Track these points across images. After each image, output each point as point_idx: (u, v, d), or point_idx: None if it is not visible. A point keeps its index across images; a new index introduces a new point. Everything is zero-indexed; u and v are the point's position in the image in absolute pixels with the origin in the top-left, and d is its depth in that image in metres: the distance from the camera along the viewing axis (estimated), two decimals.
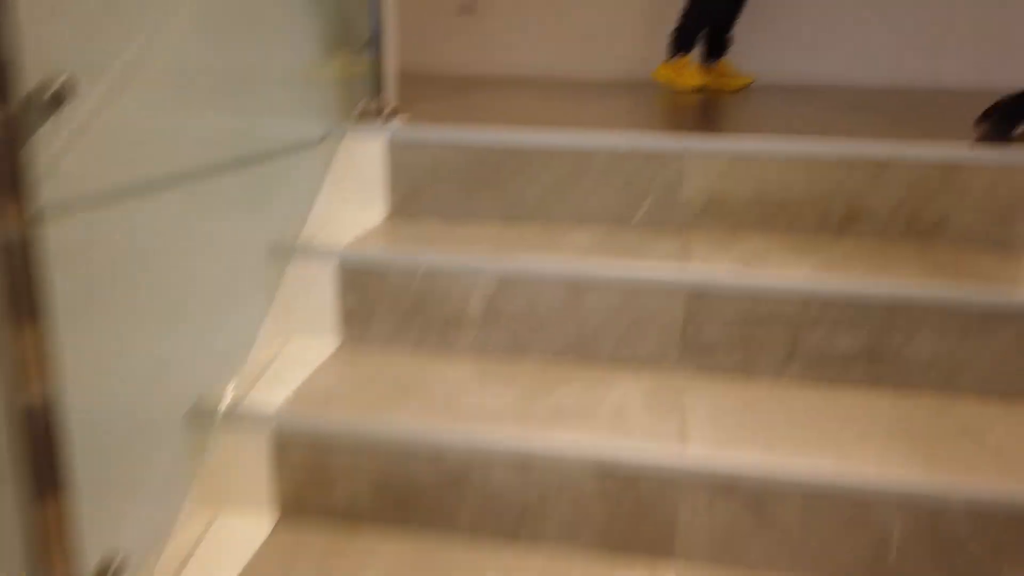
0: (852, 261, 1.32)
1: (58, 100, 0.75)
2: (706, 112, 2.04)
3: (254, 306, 1.33)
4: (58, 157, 0.82)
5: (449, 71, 4.00)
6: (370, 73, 1.62)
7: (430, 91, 2.51)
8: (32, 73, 0.73)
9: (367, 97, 1.63)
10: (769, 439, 1.10)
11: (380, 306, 1.37)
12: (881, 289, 1.21)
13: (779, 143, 1.43)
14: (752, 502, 1.07)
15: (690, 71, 3.06)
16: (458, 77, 3.50)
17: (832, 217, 1.45)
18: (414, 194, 1.58)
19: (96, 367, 0.96)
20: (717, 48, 3.22)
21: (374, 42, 1.59)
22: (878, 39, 3.59)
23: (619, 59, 3.81)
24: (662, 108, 2.16)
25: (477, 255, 1.34)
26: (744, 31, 3.66)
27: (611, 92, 2.70)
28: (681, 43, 3.10)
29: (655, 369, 1.31)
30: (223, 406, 1.18)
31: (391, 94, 1.69)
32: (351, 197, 1.59)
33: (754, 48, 3.68)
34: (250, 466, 1.19)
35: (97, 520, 0.94)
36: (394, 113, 1.65)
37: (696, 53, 3.20)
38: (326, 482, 1.17)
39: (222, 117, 1.20)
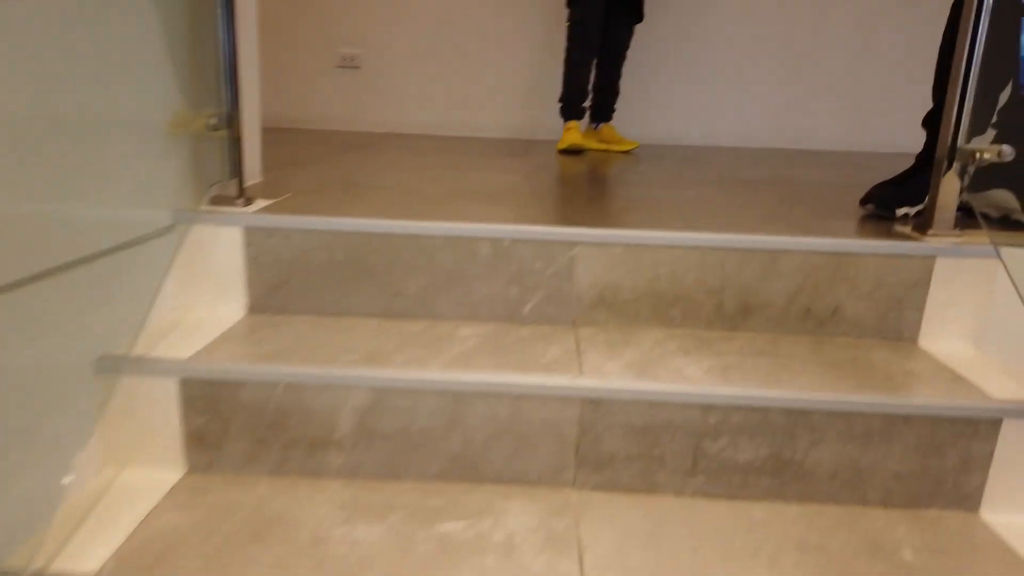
0: (750, 360, 1.26)
1: None
2: (594, 189, 1.97)
3: (75, 435, 1.11)
4: None
5: (331, 126, 3.84)
6: (226, 151, 1.45)
7: (305, 152, 2.34)
8: None
9: (223, 178, 1.46)
10: (677, 574, 0.99)
11: (233, 427, 1.17)
12: (781, 396, 1.14)
13: (671, 234, 1.36)
14: None
15: (568, 134, 3.08)
16: (339, 133, 3.35)
17: (727, 309, 1.39)
18: (278, 288, 1.40)
19: None
20: (599, 113, 3.24)
21: (230, 117, 1.42)
22: (752, 106, 3.72)
23: (500, 118, 3.78)
24: (548, 180, 2.09)
25: (347, 365, 1.18)
26: (631, 98, 3.71)
27: (492, 154, 2.61)
28: (563, 111, 3.13)
29: (550, 488, 1.18)
30: (27, 570, 0.96)
31: (253, 171, 1.52)
32: (203, 294, 1.40)
33: (641, 113, 3.73)
34: None
35: None
36: (251, 199, 1.48)
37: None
38: None
39: (36, 210, 1.00)
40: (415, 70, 3.81)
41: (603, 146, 3.21)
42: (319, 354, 1.22)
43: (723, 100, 3.75)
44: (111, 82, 1.17)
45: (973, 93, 1.37)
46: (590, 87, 3.11)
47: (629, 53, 3.27)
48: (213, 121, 1.36)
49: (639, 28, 3.38)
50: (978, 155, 1.36)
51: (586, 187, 2.01)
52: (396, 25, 3.77)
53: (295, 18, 3.79)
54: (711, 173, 2.41)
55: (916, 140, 1.67)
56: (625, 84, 3.61)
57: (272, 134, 3.24)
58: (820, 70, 3.68)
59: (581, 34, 3.02)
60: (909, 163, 1.66)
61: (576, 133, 3.07)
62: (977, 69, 1.37)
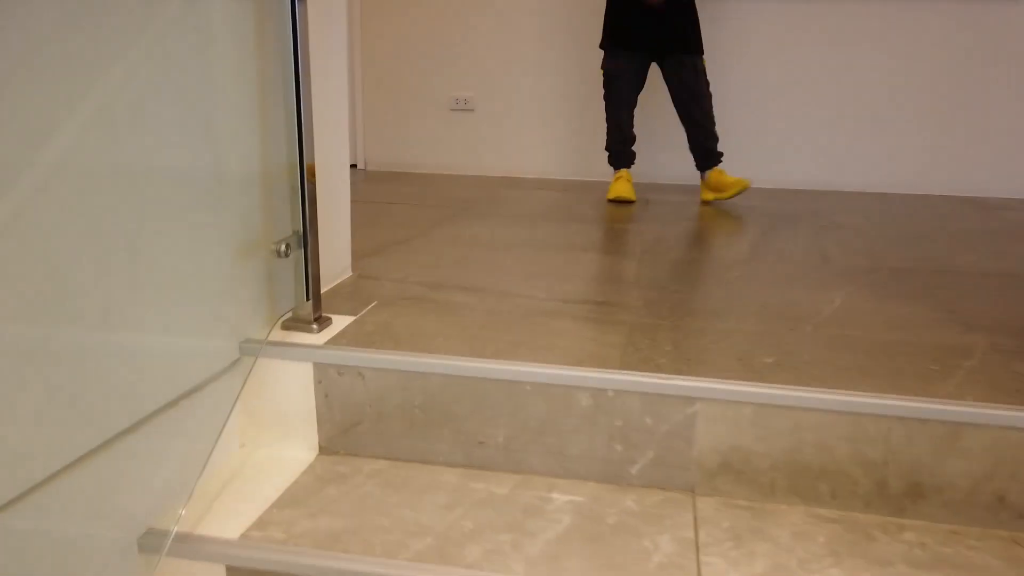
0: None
1: None
2: (714, 288, 1.70)
3: None
4: None
5: (445, 170, 3.74)
6: (298, 274, 1.30)
7: (404, 222, 2.19)
8: None
9: (296, 301, 1.32)
10: None
11: None
12: None
13: (816, 395, 1.09)
14: None
15: (616, 184, 2.97)
16: (450, 180, 3.22)
17: (891, 489, 1.10)
18: (350, 430, 1.24)
19: None
20: (700, 162, 2.97)
21: (304, 237, 1.28)
22: (891, 147, 3.30)
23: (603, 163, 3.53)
24: (660, 268, 1.84)
25: (412, 559, 0.99)
26: (748, 139, 3.40)
27: (604, 215, 2.35)
28: (609, 160, 3.07)
29: None
30: None
31: (342, 268, 1.37)
32: (270, 433, 1.26)
33: (763, 154, 3.41)
34: None
35: None
36: (327, 320, 1.33)
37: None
38: None
39: (84, 373, 0.88)
40: (529, 112, 3.64)
41: (713, 195, 2.93)
42: (384, 531, 1.04)
43: (857, 140, 3.35)
44: (178, 206, 1.04)
45: None
46: (633, 133, 3.03)
47: (729, 91, 3.11)
48: (283, 247, 1.21)
49: (767, 65, 3.07)
50: None
51: (705, 283, 1.74)
52: (511, 68, 3.62)
53: (411, 62, 3.71)
54: (853, 250, 2.07)
55: None
56: (745, 124, 3.32)
57: (383, 184, 3.15)
58: (970, 109, 3.22)
59: (610, 88, 2.97)
60: None
61: (623, 184, 2.95)
62: None
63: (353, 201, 1.75)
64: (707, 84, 2.88)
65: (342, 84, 1.55)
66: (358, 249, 1.98)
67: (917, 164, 3.32)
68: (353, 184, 3.18)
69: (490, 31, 3.59)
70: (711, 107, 2.90)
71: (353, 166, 3.85)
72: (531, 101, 3.62)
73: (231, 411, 1.21)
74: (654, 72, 2.97)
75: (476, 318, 1.42)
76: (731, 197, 2.91)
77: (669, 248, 2.13)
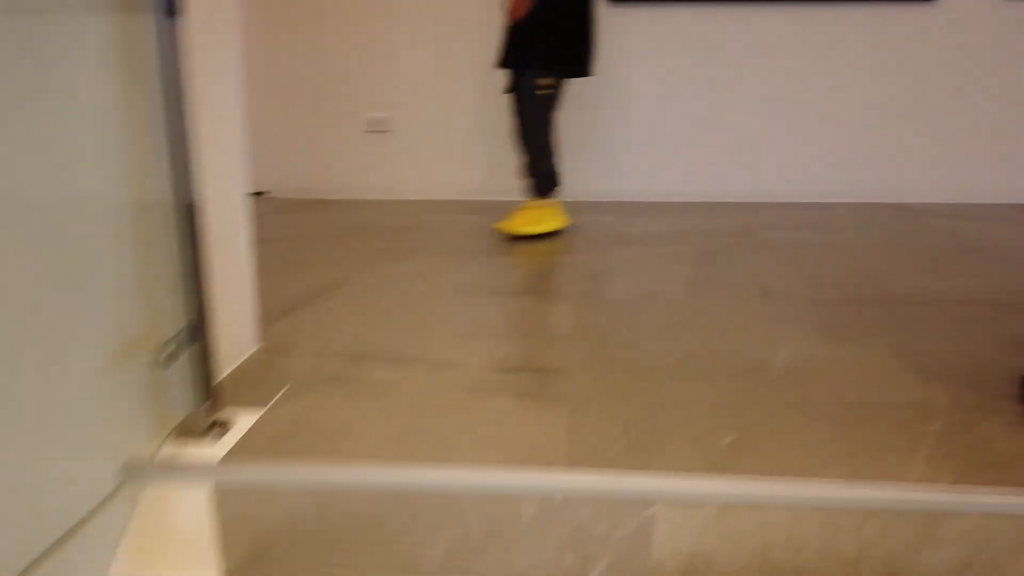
0: None
1: None
2: (665, 340, 1.60)
3: None
4: None
5: (363, 195, 3.54)
6: (194, 371, 1.12)
7: (319, 268, 1.99)
8: None
9: (189, 406, 1.13)
10: None
11: None
12: None
13: (786, 490, 0.99)
14: None
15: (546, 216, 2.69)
16: (369, 207, 3.03)
17: None
18: (259, 556, 1.07)
19: None
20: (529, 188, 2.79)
21: (194, 330, 1.10)
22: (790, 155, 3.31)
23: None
24: (605, 321, 1.72)
25: None
26: (656, 150, 3.34)
27: (537, 246, 2.22)
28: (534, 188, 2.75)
29: None
30: None
31: (243, 343, 1.20)
32: (164, 569, 1.07)
33: (675, 165, 3.35)
34: None
35: None
36: (226, 425, 1.15)
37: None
38: None
39: None
40: (449, 132, 3.49)
41: (506, 225, 2.69)
42: None
43: (778, 149, 3.35)
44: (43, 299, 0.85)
45: None
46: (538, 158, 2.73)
47: (644, 102, 3.05)
48: (168, 352, 1.03)
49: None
50: None
51: (647, 332, 1.63)
52: (427, 86, 3.45)
53: (324, 81, 3.50)
54: (792, 277, 2.01)
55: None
56: (662, 136, 3.25)
57: (296, 214, 2.94)
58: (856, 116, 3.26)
59: None
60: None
61: (551, 214, 2.71)
62: None
63: (261, 240, 1.55)
64: (536, 107, 2.63)
65: (236, 111, 1.36)
66: (267, 306, 1.79)
67: (836, 170, 3.33)
68: (262, 216, 2.96)
69: (405, 48, 3.42)
70: (536, 132, 2.66)
71: (260, 193, 3.61)
72: (450, 120, 3.46)
73: (114, 551, 1.02)
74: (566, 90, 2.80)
75: (405, 403, 1.27)
76: (521, 236, 2.63)
77: (604, 286, 2.02)
